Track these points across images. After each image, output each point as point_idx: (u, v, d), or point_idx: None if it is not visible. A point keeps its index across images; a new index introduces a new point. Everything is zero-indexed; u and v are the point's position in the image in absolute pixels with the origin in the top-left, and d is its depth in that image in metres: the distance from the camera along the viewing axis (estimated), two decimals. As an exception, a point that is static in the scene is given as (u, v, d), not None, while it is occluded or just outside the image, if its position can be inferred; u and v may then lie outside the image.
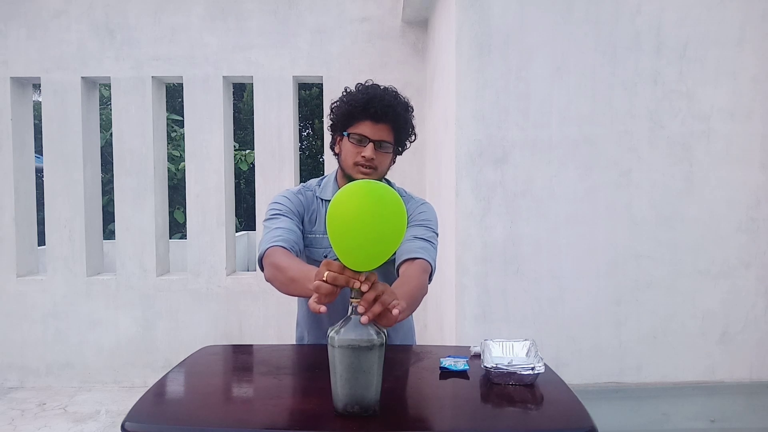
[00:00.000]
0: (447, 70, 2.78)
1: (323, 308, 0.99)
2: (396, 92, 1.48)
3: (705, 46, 2.52)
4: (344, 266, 1.00)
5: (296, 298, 1.59)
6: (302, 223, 1.50)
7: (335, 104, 1.51)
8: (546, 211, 2.51)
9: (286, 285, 1.27)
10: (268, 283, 1.35)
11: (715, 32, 2.52)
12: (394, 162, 1.54)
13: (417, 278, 1.35)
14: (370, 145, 1.43)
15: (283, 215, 1.48)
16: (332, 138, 1.55)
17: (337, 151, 1.53)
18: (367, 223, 0.98)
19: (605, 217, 2.53)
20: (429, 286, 1.42)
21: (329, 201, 1.41)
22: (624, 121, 2.52)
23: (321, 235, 1.51)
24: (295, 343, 1.71)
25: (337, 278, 0.98)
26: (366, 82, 1.50)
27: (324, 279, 0.99)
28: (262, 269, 1.39)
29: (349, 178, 1.46)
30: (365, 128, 1.43)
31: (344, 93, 1.50)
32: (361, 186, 1.02)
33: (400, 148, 1.53)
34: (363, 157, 1.42)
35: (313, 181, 1.61)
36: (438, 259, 1.52)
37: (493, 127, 2.49)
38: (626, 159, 2.52)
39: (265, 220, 1.49)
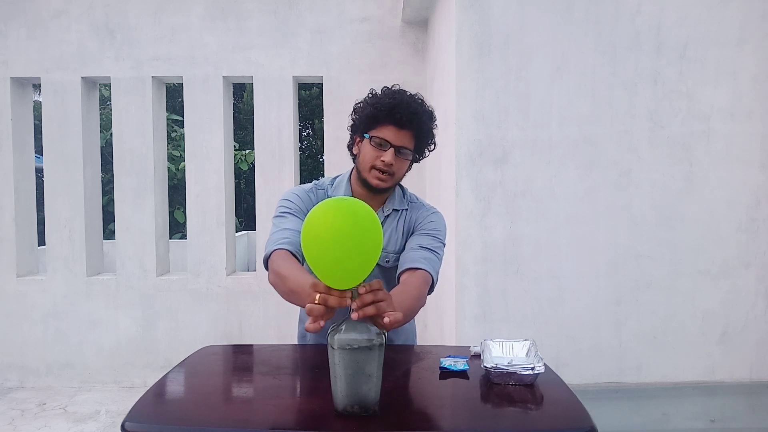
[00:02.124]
0: (447, 70, 2.78)
1: (322, 323, 0.98)
2: (422, 100, 1.46)
3: (705, 46, 2.52)
4: (329, 288, 0.99)
5: None
6: None
7: (359, 105, 1.49)
8: (546, 211, 2.51)
9: (286, 294, 1.26)
10: (271, 285, 1.35)
11: (715, 32, 2.52)
12: (410, 168, 1.53)
13: (416, 289, 1.35)
14: (391, 150, 1.41)
15: (292, 214, 1.46)
16: (351, 138, 1.54)
17: (355, 152, 1.52)
18: (342, 243, 0.97)
19: (605, 217, 2.53)
20: (428, 296, 1.41)
21: None
22: (624, 121, 2.52)
23: None
24: (297, 339, 1.71)
25: (328, 300, 0.98)
26: (393, 85, 1.49)
27: (316, 302, 0.98)
28: (267, 269, 1.39)
29: (364, 181, 1.46)
30: (388, 133, 1.42)
31: (369, 95, 1.48)
32: (334, 205, 1.01)
33: (418, 156, 1.52)
34: (382, 161, 1.41)
35: (326, 180, 1.59)
36: (438, 260, 1.51)
37: (493, 127, 2.49)
38: (626, 159, 2.52)
39: (275, 216, 1.49)
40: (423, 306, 1.37)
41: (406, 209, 1.56)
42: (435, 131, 1.52)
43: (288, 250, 1.36)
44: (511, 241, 2.51)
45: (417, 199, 1.61)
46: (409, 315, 1.28)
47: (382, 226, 1.48)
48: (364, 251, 0.99)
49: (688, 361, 2.58)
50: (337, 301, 0.98)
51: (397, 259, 1.51)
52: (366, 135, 1.45)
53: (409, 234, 1.54)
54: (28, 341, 3.85)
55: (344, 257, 0.97)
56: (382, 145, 1.42)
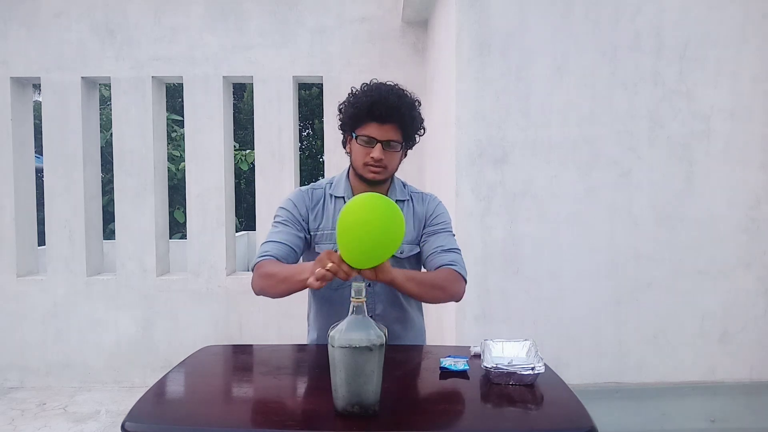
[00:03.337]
0: (447, 70, 2.78)
1: (323, 284, 1.20)
2: (401, 91, 1.49)
3: (705, 46, 2.52)
4: (342, 260, 1.18)
5: (307, 299, 1.67)
6: (308, 223, 1.55)
7: (342, 105, 1.53)
8: (546, 211, 2.51)
9: (276, 286, 1.39)
10: (256, 290, 1.46)
11: (715, 32, 2.52)
12: (406, 155, 1.57)
13: (444, 279, 1.46)
14: (378, 146, 1.45)
15: (283, 224, 1.53)
16: (343, 137, 1.58)
17: (348, 150, 1.56)
18: (372, 234, 1.16)
19: (605, 217, 2.53)
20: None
21: (340, 197, 1.52)
22: (624, 121, 2.52)
23: (329, 231, 1.55)
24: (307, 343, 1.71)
25: (338, 272, 1.18)
26: (371, 81, 1.52)
27: (327, 269, 1.18)
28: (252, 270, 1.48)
29: (361, 177, 1.51)
30: (372, 130, 1.46)
31: (350, 94, 1.52)
32: (371, 199, 1.19)
33: (408, 144, 1.55)
34: (372, 158, 1.46)
35: (323, 181, 1.64)
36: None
37: (493, 127, 2.49)
38: (626, 159, 2.52)
39: (272, 224, 1.56)
40: (453, 299, 1.47)
41: (409, 200, 1.61)
42: (422, 116, 1.55)
43: (274, 258, 1.46)
44: (511, 241, 2.51)
45: (415, 189, 1.66)
46: (418, 282, 1.40)
47: None
48: (391, 243, 1.18)
49: (688, 361, 2.58)
50: (344, 275, 1.18)
51: (411, 249, 1.56)
52: (353, 134, 1.50)
53: (421, 225, 1.58)
54: (28, 341, 3.85)
55: (374, 245, 1.17)
56: (368, 142, 1.47)
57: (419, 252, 1.57)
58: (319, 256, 1.21)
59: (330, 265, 1.17)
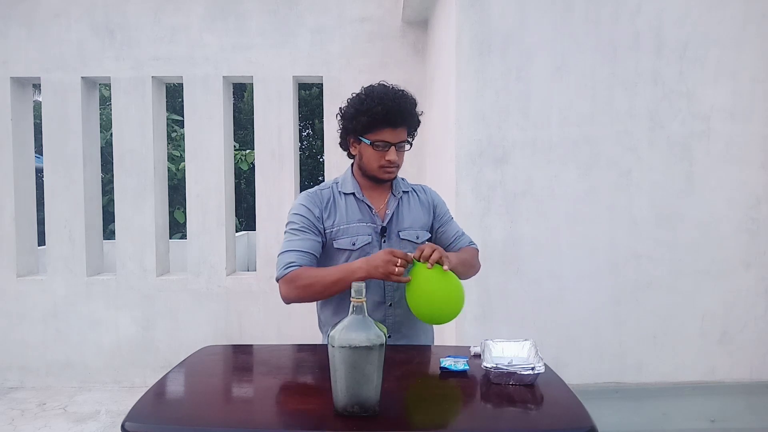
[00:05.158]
0: (447, 70, 2.78)
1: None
2: (404, 92, 1.56)
3: (705, 46, 2.52)
4: (406, 256, 1.39)
5: (316, 301, 1.66)
6: (322, 222, 1.57)
7: (349, 111, 1.56)
8: (546, 211, 2.51)
9: (325, 290, 1.45)
10: (291, 298, 1.49)
11: (715, 32, 2.52)
12: None
13: (470, 255, 1.68)
14: (393, 149, 1.53)
15: (301, 231, 1.54)
16: (343, 139, 1.62)
17: (353, 152, 1.62)
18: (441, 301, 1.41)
19: (605, 217, 2.53)
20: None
21: (349, 193, 1.61)
22: (624, 121, 2.52)
23: (344, 226, 1.58)
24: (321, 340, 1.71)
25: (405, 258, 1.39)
26: (370, 85, 1.56)
27: (399, 265, 1.37)
28: (277, 280, 1.51)
29: (372, 177, 1.59)
30: (386, 135, 1.52)
31: (355, 100, 1.55)
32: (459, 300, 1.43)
33: (411, 140, 1.63)
34: (388, 161, 1.53)
35: (328, 182, 1.69)
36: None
37: (493, 127, 2.49)
38: (626, 159, 2.52)
39: (286, 231, 1.58)
40: (477, 272, 1.74)
41: (411, 191, 1.71)
42: (419, 112, 1.62)
43: (304, 266, 1.49)
44: (511, 241, 2.51)
45: (418, 186, 1.76)
46: (466, 265, 1.62)
47: (399, 207, 1.64)
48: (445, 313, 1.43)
49: (688, 361, 2.58)
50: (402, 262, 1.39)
51: (425, 235, 1.66)
52: (366, 140, 1.53)
53: (430, 213, 1.70)
54: (28, 341, 3.85)
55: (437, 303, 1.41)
56: (383, 146, 1.53)
57: (430, 237, 1.71)
58: (388, 255, 1.38)
59: (398, 267, 1.37)
